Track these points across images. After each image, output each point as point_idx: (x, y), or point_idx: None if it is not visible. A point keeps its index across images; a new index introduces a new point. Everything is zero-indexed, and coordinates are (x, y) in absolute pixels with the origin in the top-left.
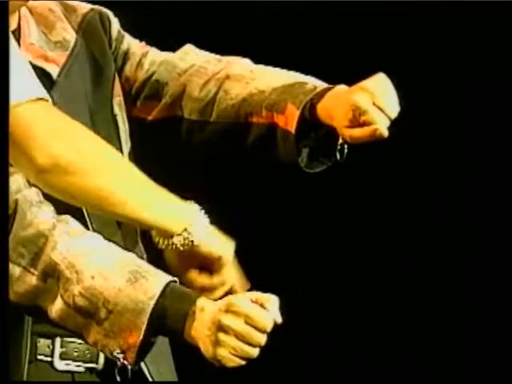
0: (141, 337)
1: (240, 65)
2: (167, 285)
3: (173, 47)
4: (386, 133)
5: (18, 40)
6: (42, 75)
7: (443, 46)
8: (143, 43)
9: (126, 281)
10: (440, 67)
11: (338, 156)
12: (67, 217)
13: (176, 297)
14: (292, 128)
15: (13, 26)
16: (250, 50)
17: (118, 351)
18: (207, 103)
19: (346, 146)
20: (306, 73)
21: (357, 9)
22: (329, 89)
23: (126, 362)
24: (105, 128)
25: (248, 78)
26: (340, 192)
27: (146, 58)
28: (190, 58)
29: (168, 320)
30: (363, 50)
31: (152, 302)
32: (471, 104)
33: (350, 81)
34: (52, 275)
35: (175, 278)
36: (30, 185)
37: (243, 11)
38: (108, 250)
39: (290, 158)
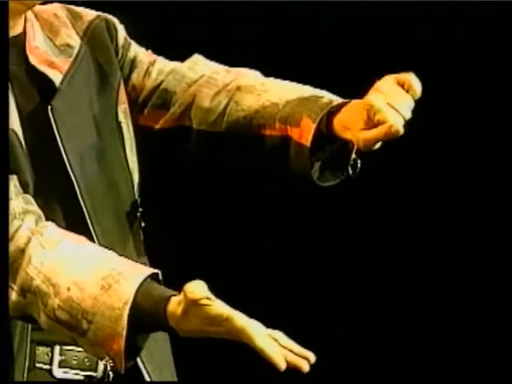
0: (123, 342)
1: (250, 76)
2: (140, 285)
3: (174, 54)
4: (401, 130)
5: (23, 43)
6: (45, 82)
7: (443, 46)
8: (149, 51)
9: (100, 289)
10: (440, 67)
11: (351, 171)
12: (44, 226)
13: (150, 297)
14: (307, 141)
15: (18, 29)
16: (251, 51)
17: (107, 358)
18: (218, 114)
19: (359, 161)
20: (305, 73)
21: (357, 9)
22: (345, 103)
23: (116, 368)
24: (109, 135)
25: (260, 90)
26: (342, 198)
27: (153, 66)
28: (199, 68)
29: (147, 320)
30: (363, 50)
31: (127, 307)
32: (471, 104)
33: (350, 80)
34: (29, 290)
35: (152, 272)
36: (23, 188)
37: (245, 11)
38: (81, 257)
39: (302, 171)
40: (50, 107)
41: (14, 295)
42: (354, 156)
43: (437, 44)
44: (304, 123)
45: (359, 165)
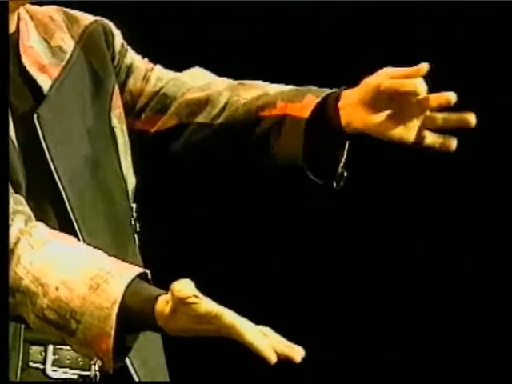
0: (111, 342)
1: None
2: (129, 285)
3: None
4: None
5: (16, 42)
6: (33, 88)
7: (443, 46)
8: (146, 60)
9: (88, 288)
10: (440, 67)
11: (335, 184)
12: (33, 226)
13: (139, 296)
14: (306, 114)
15: (11, 28)
16: (251, 52)
17: (96, 358)
18: (219, 108)
19: (345, 174)
20: (305, 73)
21: (357, 9)
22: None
23: (105, 368)
24: (102, 141)
25: (264, 85)
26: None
27: (152, 72)
28: (199, 77)
29: (135, 320)
30: (363, 50)
31: (116, 307)
32: (471, 104)
33: (350, 79)
34: (18, 290)
35: (141, 271)
36: (15, 188)
37: (245, 11)
38: (70, 256)
39: (291, 151)
40: (35, 115)
41: None
42: (340, 170)
43: (437, 44)
44: (307, 99)
45: (344, 176)
